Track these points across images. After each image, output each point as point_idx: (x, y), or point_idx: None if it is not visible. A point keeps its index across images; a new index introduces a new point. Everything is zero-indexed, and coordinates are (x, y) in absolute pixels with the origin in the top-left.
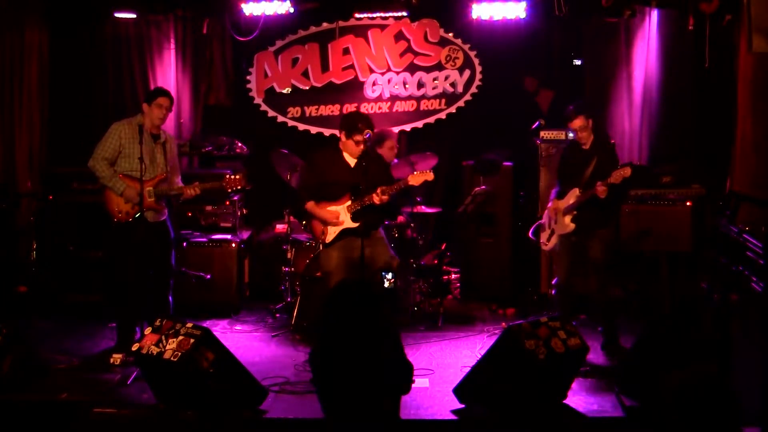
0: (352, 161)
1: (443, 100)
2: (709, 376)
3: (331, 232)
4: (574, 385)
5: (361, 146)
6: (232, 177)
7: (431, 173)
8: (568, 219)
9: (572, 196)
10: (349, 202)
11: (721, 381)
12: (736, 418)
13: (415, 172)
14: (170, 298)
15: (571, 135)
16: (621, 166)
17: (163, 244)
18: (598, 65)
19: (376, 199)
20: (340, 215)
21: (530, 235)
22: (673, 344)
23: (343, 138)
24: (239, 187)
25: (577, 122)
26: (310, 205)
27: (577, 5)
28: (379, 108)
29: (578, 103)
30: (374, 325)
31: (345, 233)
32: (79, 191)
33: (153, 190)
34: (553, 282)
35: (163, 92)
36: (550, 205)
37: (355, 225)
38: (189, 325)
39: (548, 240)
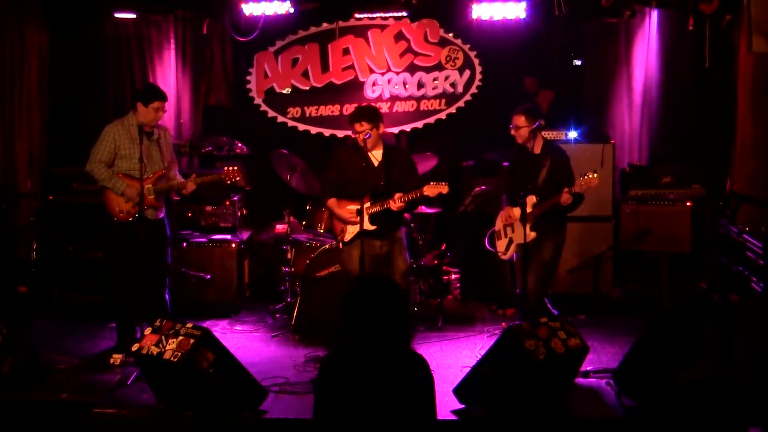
0: (376, 160)
1: (443, 101)
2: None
3: (350, 232)
4: (574, 385)
5: (360, 136)
6: (230, 168)
7: (446, 186)
8: (528, 227)
9: (528, 204)
10: (368, 204)
11: (730, 381)
12: (743, 418)
13: (431, 183)
14: (167, 296)
15: (570, 135)
16: (584, 174)
17: (159, 241)
18: (598, 65)
19: (393, 206)
20: (359, 216)
21: (486, 245)
22: (673, 345)
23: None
24: (238, 178)
25: (519, 120)
26: (332, 202)
27: (577, 5)
28: (379, 108)
29: (526, 106)
30: (396, 323)
31: (362, 234)
32: (79, 192)
33: (152, 187)
34: (518, 291)
35: (160, 96)
36: (502, 212)
37: (373, 227)
38: (189, 325)
39: (506, 249)
